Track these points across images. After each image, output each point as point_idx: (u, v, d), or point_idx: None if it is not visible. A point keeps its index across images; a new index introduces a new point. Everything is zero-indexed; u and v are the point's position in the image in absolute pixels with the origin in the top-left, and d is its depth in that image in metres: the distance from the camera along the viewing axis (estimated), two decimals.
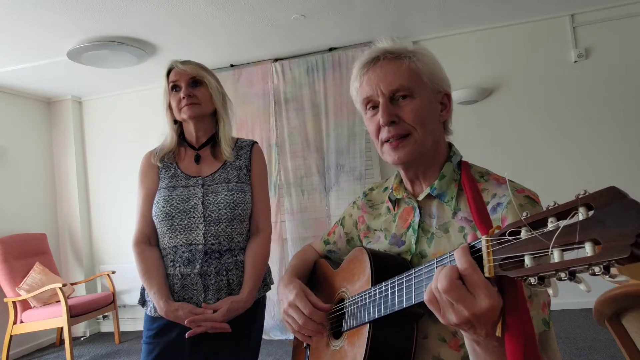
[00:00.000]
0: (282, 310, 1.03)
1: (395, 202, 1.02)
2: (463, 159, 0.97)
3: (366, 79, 0.91)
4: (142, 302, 1.53)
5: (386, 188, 1.09)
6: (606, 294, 1.13)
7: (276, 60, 4.23)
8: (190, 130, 1.57)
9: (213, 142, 1.58)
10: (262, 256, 1.52)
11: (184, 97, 1.50)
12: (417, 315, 0.85)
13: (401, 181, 1.01)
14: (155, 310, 1.44)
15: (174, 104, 1.53)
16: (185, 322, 1.37)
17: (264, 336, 3.97)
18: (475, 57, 3.97)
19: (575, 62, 3.78)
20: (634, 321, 1.14)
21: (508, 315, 0.60)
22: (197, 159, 1.56)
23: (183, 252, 1.45)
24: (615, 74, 3.73)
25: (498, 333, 0.61)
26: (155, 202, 1.51)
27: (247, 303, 1.45)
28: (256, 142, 1.64)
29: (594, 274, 0.45)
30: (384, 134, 0.90)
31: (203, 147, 1.58)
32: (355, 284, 0.95)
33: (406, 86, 0.88)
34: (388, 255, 0.96)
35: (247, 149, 1.60)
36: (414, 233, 0.93)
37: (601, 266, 0.44)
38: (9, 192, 4.32)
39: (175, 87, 1.53)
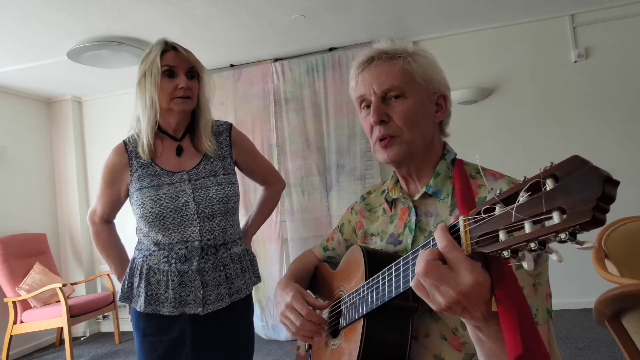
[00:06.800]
0: (279, 312, 1.03)
1: (392, 203, 1.02)
2: (458, 157, 0.97)
3: (361, 78, 0.93)
4: (129, 297, 1.46)
5: (383, 191, 1.09)
6: (606, 294, 1.13)
7: (276, 60, 4.23)
8: (169, 121, 1.47)
9: (191, 132, 1.49)
10: (272, 206, 1.69)
11: (181, 88, 1.40)
12: (410, 309, 0.84)
13: (397, 182, 1.02)
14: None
15: (163, 90, 1.40)
16: None
17: (264, 337, 3.97)
18: (475, 57, 3.97)
19: (575, 62, 3.78)
20: (633, 321, 1.14)
21: (496, 288, 0.60)
22: (180, 151, 1.48)
23: (179, 249, 1.42)
24: (615, 74, 3.72)
25: (494, 308, 0.61)
26: (139, 203, 1.43)
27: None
28: (232, 124, 1.58)
29: (561, 241, 0.46)
30: (376, 132, 0.92)
31: (183, 138, 1.49)
32: (352, 281, 0.95)
33: (398, 86, 0.89)
34: (383, 252, 0.96)
35: (226, 134, 1.54)
36: (411, 233, 0.94)
37: (567, 232, 0.45)
38: (9, 192, 4.32)
39: (170, 72, 1.41)
